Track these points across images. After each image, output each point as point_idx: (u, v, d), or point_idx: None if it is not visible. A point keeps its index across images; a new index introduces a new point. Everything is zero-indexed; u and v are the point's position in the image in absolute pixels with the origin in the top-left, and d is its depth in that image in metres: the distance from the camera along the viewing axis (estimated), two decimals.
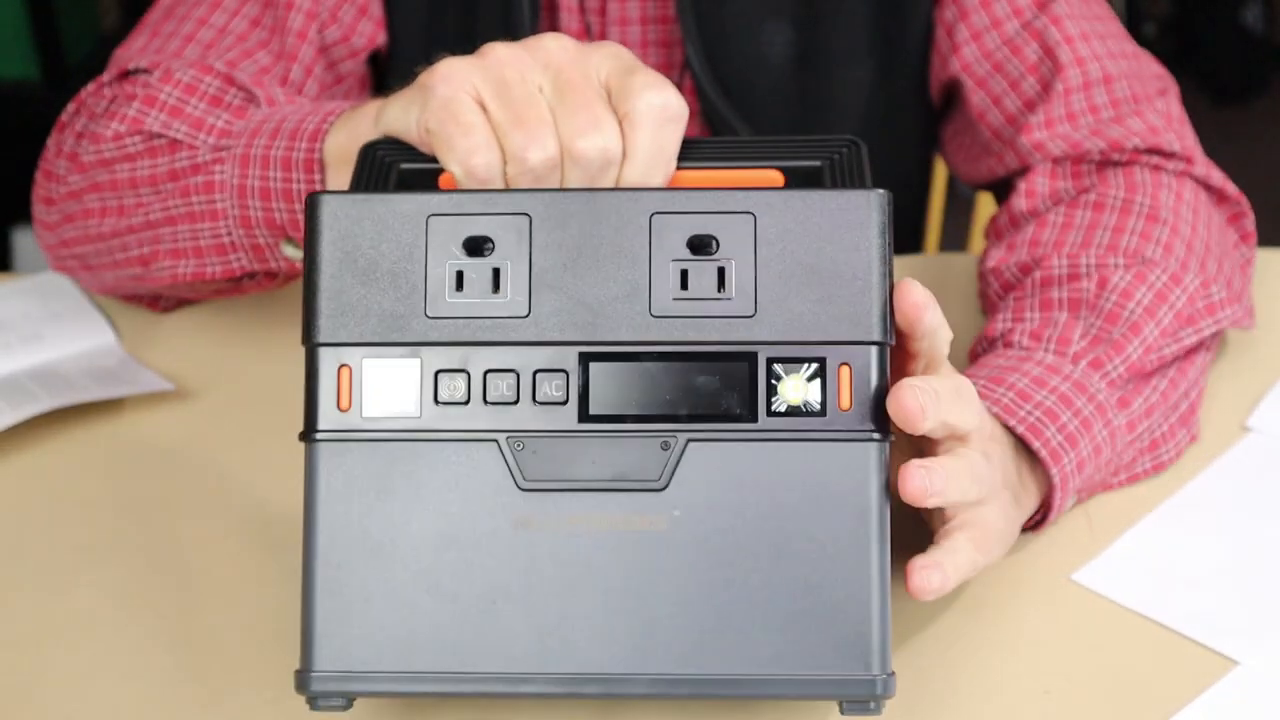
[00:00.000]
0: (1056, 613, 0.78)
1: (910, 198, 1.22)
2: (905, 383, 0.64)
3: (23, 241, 2.41)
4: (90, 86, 0.98)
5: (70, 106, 0.98)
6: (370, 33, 1.06)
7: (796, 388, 0.63)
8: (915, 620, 0.77)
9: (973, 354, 0.91)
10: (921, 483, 0.65)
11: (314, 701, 0.64)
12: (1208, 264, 0.92)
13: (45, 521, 0.86)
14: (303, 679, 0.64)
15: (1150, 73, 1.04)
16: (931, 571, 0.67)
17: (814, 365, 0.63)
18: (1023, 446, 0.79)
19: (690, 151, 0.71)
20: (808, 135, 0.71)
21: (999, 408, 0.79)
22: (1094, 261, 0.90)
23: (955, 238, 1.60)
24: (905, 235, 1.21)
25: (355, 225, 0.64)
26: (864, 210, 0.63)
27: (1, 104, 2.41)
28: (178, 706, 0.74)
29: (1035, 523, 0.81)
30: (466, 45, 0.75)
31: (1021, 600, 0.79)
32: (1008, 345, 0.86)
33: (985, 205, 1.46)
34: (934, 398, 0.65)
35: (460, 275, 0.64)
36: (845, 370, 0.63)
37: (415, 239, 0.64)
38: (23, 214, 2.42)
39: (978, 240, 1.52)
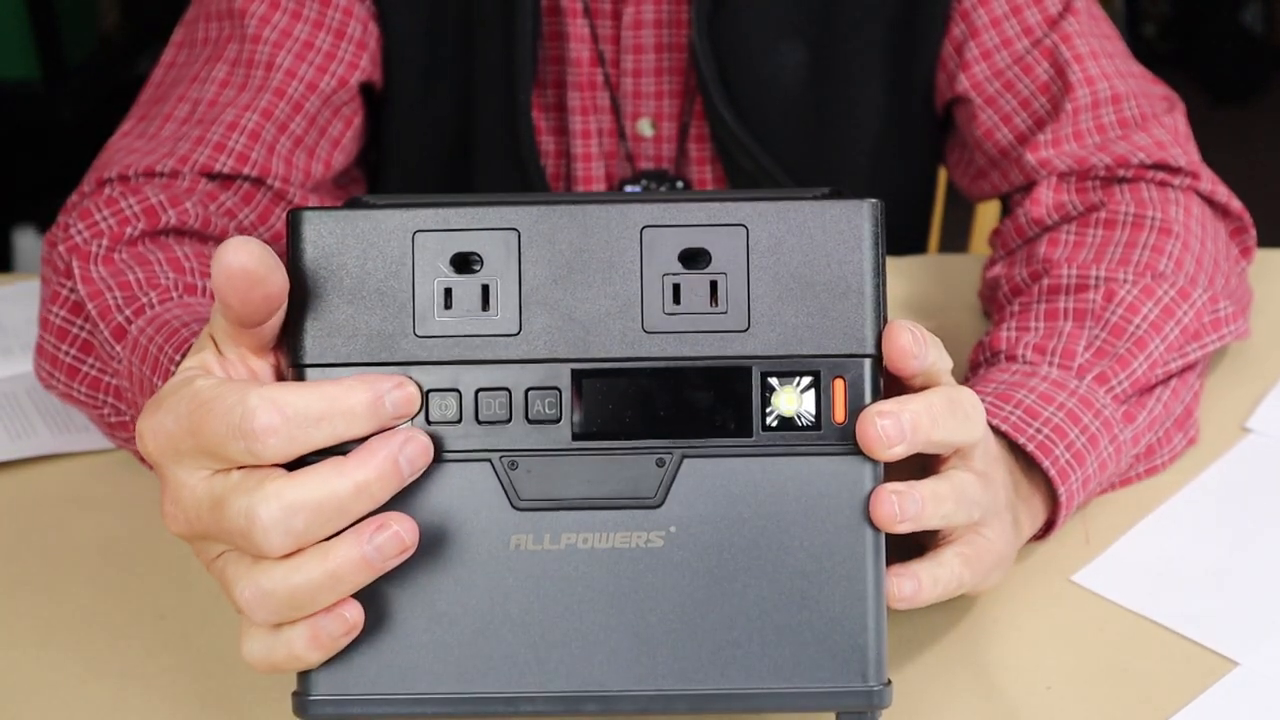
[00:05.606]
0: (1056, 613, 0.78)
1: (917, 210, 1.22)
2: (873, 409, 0.61)
3: (23, 242, 2.41)
4: (74, 196, 0.95)
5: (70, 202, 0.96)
6: (359, 62, 1.04)
7: (790, 401, 0.62)
8: (916, 621, 0.77)
9: (973, 362, 0.90)
10: (890, 509, 0.62)
11: None
12: (1216, 279, 0.92)
13: (45, 521, 0.86)
14: (300, 704, 0.64)
15: (1157, 92, 1.03)
16: (905, 579, 0.65)
17: (808, 378, 0.62)
18: (1024, 461, 0.78)
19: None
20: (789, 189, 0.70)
21: (1007, 425, 0.78)
22: (1104, 274, 0.89)
23: (955, 238, 1.60)
24: (911, 246, 1.20)
25: (339, 243, 0.62)
26: (856, 220, 0.62)
27: (1, 104, 2.41)
28: (179, 707, 0.74)
29: (1036, 536, 0.81)
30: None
31: (1021, 600, 0.79)
32: (1011, 359, 0.85)
33: (985, 206, 1.46)
34: (908, 425, 0.62)
35: (449, 292, 0.62)
36: (839, 383, 0.62)
37: (402, 256, 0.62)
38: (23, 214, 2.43)
39: (978, 240, 1.52)
